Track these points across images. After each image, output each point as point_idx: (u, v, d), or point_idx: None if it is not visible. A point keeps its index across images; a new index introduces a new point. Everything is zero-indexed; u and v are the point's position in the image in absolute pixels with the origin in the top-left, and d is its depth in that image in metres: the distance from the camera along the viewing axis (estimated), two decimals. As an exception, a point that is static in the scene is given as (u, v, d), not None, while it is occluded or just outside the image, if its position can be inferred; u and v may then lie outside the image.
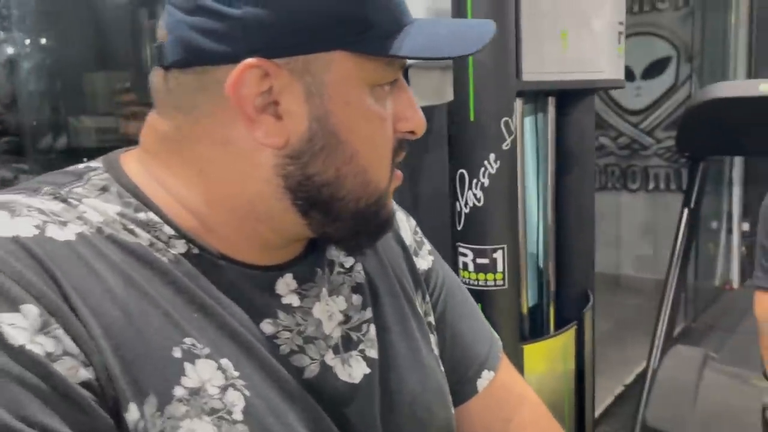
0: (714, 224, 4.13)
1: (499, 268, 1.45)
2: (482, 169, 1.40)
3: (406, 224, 0.78)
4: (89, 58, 1.81)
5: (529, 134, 1.75)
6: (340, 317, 0.64)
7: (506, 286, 1.47)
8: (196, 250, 0.56)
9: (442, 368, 0.71)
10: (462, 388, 0.75)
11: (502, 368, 0.78)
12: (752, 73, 3.96)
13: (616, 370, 3.19)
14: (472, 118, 1.42)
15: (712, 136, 2.24)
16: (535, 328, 1.82)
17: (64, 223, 0.51)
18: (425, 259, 0.77)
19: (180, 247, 0.55)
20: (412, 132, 0.60)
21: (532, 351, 1.63)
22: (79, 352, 0.46)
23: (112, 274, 0.50)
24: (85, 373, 0.46)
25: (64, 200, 0.53)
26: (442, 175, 1.53)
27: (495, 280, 1.47)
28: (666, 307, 2.23)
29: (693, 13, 4.19)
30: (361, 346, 0.64)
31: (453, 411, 0.71)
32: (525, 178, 1.71)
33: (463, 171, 1.44)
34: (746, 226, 3.84)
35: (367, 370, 0.63)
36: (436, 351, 0.72)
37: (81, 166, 0.59)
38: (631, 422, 2.15)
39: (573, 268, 1.88)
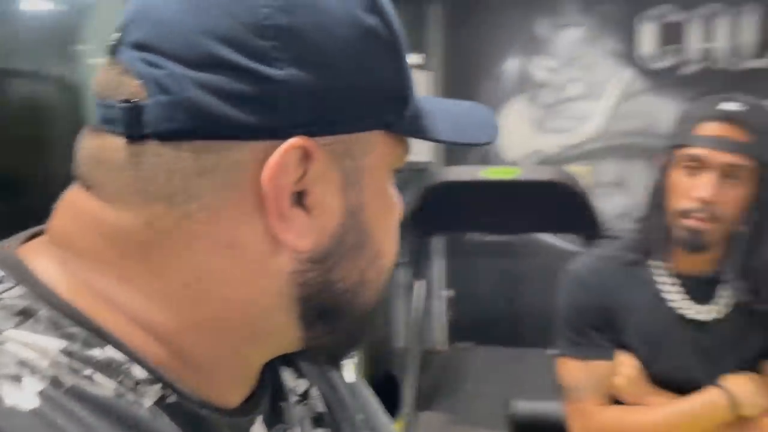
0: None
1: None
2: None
3: None
4: None
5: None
6: None
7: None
8: (173, 398, 0.41)
9: None
10: None
11: None
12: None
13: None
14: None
15: (443, 215, 2.51)
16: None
17: (15, 378, 0.37)
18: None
19: (153, 394, 0.41)
20: None
21: None
22: None
23: None
24: None
25: None
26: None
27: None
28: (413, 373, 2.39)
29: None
30: None
31: None
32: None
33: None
34: (451, 293, 4.27)
35: None
36: None
37: None
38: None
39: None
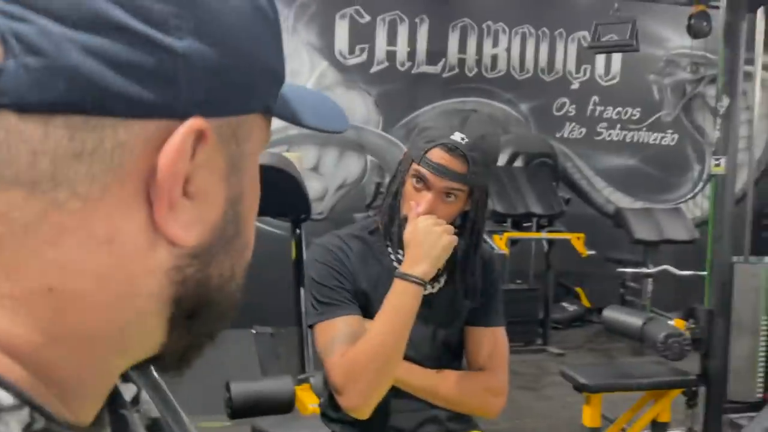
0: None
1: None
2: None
3: None
4: None
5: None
6: None
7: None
8: (41, 423, 0.34)
9: None
10: None
11: None
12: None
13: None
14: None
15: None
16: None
17: None
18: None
19: (20, 420, 0.33)
20: None
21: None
22: None
23: None
24: None
25: None
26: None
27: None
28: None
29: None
30: None
31: None
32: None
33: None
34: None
35: None
36: None
37: None
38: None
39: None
